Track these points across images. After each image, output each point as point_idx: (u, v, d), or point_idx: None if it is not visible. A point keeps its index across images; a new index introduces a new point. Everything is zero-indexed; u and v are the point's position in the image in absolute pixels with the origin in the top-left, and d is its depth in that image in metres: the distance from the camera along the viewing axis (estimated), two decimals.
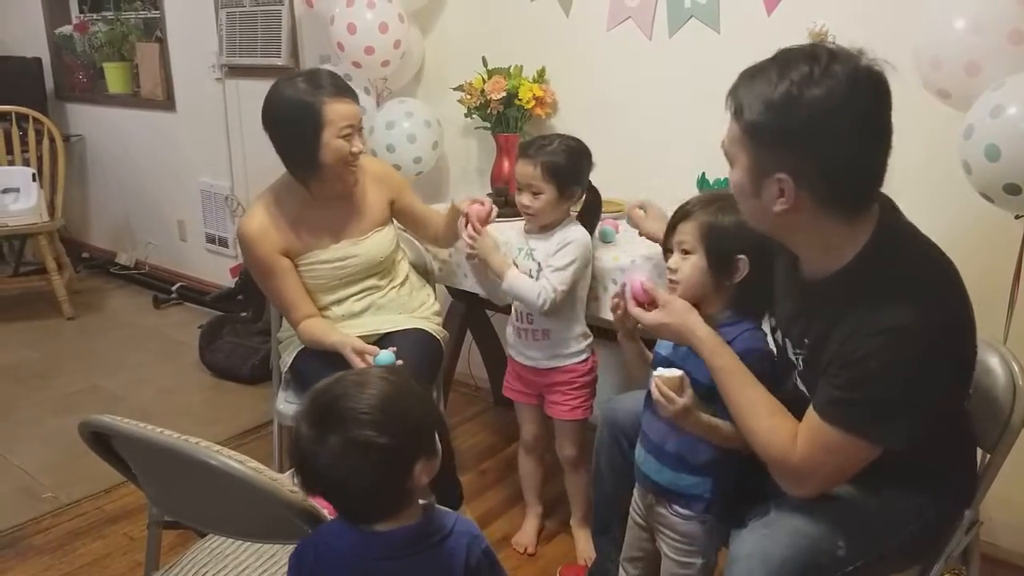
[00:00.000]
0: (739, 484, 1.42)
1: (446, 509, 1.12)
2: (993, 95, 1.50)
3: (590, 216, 1.97)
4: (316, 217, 1.97)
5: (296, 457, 1.00)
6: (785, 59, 1.13)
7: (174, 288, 4.13)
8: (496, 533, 2.15)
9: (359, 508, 1.03)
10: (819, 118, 1.09)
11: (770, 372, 1.35)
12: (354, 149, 1.89)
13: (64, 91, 4.66)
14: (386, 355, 1.78)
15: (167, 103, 4.05)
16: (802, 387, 1.31)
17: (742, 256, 1.36)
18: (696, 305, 1.42)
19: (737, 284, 1.39)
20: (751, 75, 1.17)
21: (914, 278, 1.16)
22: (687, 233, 1.41)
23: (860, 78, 1.11)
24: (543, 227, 1.90)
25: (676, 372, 1.33)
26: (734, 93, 1.18)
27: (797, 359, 1.31)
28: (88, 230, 4.90)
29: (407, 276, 2.13)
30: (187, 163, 4.07)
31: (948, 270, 1.20)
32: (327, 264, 1.99)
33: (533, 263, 1.89)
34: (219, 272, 4.03)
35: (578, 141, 1.90)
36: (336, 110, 1.85)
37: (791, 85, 1.10)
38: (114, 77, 4.31)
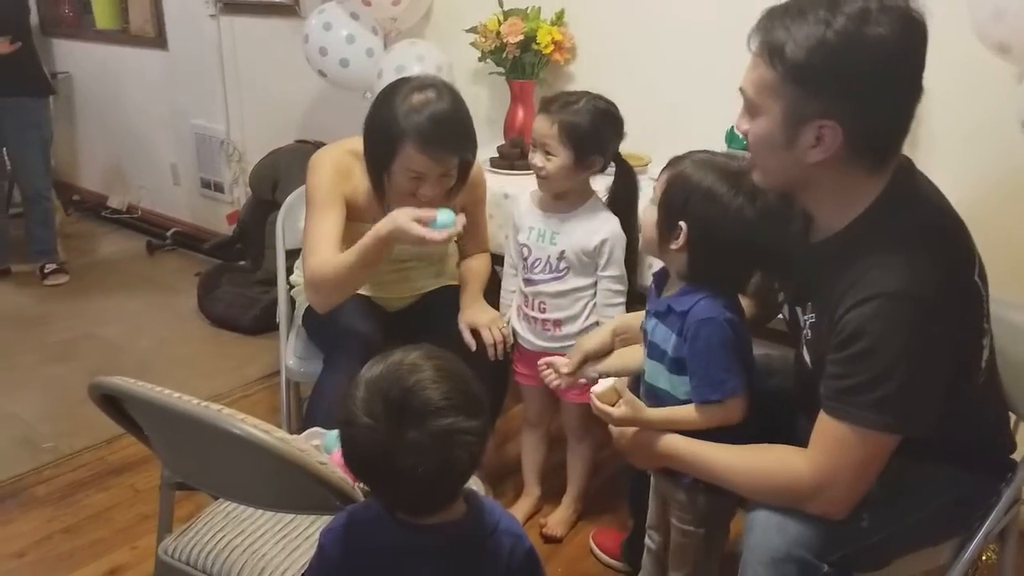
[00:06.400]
0: None
1: (492, 502, 1.06)
2: None
3: (623, 205, 1.77)
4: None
5: (360, 453, 0.93)
6: None
7: (169, 234, 4.03)
8: (509, 492, 2.11)
9: (418, 500, 0.96)
10: (881, 60, 1.02)
11: (733, 337, 1.28)
12: (419, 193, 1.72)
13: (49, 26, 4.48)
14: (445, 215, 1.58)
15: (158, 40, 3.89)
16: (807, 357, 1.24)
17: (682, 223, 1.29)
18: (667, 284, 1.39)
19: (688, 254, 1.31)
20: (789, 12, 1.06)
21: (913, 236, 1.10)
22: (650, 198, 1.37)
23: (913, 21, 1.04)
24: (558, 197, 1.75)
25: (608, 383, 1.30)
26: (766, 32, 1.08)
27: (806, 324, 1.25)
28: (78, 172, 4.77)
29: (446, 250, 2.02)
30: (180, 105, 3.93)
31: (954, 228, 1.14)
32: None
33: (554, 248, 1.75)
34: (214, 218, 3.93)
35: (609, 104, 1.70)
36: (412, 156, 1.66)
37: (849, 22, 1.01)
38: (101, 11, 4.13)
